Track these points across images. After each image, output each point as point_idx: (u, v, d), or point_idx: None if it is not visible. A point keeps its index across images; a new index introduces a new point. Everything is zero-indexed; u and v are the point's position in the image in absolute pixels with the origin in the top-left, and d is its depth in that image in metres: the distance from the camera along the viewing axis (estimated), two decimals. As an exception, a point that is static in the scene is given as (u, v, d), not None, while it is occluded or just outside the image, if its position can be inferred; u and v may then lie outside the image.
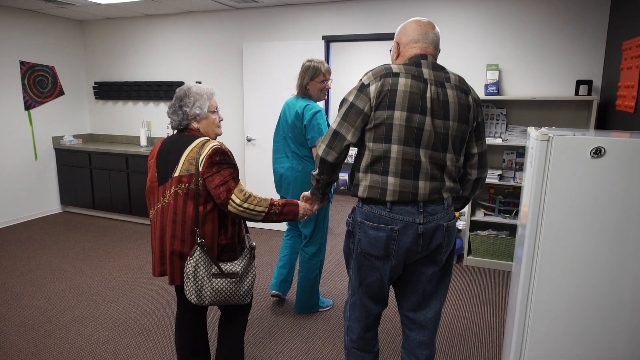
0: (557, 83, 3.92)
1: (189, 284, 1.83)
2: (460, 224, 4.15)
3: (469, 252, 4.17)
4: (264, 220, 1.90)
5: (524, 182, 2.13)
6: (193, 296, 1.84)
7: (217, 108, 2.02)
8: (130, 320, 3.07)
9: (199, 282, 1.82)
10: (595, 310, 1.72)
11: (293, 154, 2.91)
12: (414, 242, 1.69)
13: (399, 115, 1.61)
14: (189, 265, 1.81)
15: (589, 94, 3.70)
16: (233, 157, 1.90)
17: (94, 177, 5.49)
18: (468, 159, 1.82)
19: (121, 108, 5.96)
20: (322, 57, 4.57)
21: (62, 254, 4.31)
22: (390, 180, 1.66)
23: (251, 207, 1.83)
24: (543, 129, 1.95)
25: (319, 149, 1.76)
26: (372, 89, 1.63)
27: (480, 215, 4.06)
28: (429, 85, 1.65)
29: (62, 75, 5.74)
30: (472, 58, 4.15)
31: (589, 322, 1.74)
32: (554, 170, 1.67)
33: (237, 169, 1.91)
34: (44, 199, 5.67)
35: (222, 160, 1.84)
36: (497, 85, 3.96)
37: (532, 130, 1.98)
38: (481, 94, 4.13)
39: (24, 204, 5.44)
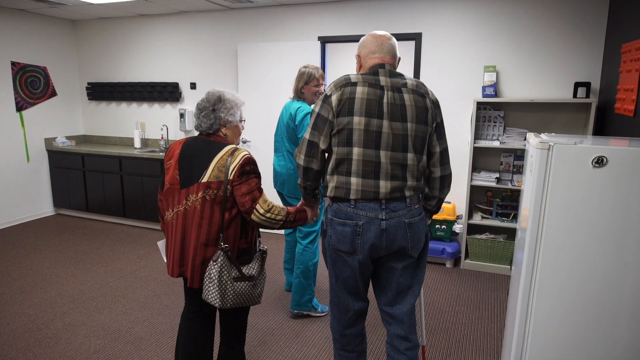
0: (555, 85, 3.89)
1: (212, 288, 1.87)
2: (458, 227, 4.11)
3: (467, 256, 4.14)
4: (280, 228, 1.99)
5: (524, 186, 2.10)
6: (217, 300, 1.88)
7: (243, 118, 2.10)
8: (122, 328, 3.01)
9: (223, 286, 1.88)
10: (595, 319, 1.68)
11: (288, 152, 3.11)
12: (378, 237, 1.80)
13: (357, 121, 1.76)
14: (213, 270, 1.86)
15: (587, 96, 3.66)
16: (257, 167, 1.98)
17: (87, 179, 5.42)
18: (431, 157, 1.92)
19: (115, 109, 5.89)
20: (318, 58, 4.51)
21: (54, 258, 4.24)
22: (353, 180, 1.79)
23: (272, 216, 1.91)
24: (543, 136, 1.91)
25: (299, 159, 1.90)
26: (334, 98, 1.80)
27: (477, 219, 4.02)
28: (385, 91, 1.79)
29: (54, 76, 5.66)
30: (470, 59, 4.10)
31: (589, 330, 1.70)
32: (555, 179, 1.63)
33: (261, 178, 1.97)
34: (36, 201, 5.60)
35: (252, 170, 1.90)
36: (495, 87, 3.91)
37: (531, 137, 1.94)
38: (478, 96, 4.09)
39: (16, 206, 5.37)
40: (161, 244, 2.27)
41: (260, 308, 3.30)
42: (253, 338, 2.90)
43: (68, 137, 5.88)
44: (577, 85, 3.68)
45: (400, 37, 4.29)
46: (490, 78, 3.96)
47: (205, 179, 1.88)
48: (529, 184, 1.81)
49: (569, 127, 3.87)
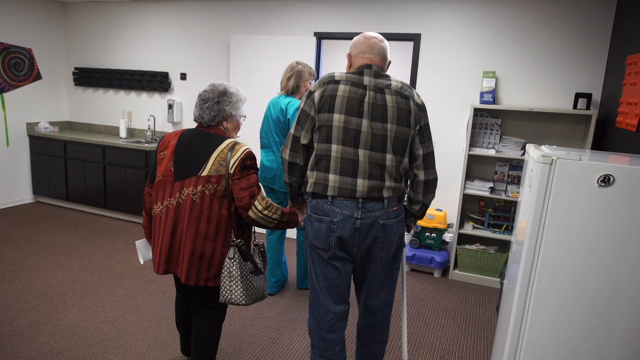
0: (555, 95, 3.77)
1: (236, 286, 1.81)
2: (448, 236, 3.98)
3: (455, 266, 4.02)
4: (274, 228, 1.96)
5: (521, 198, 1.98)
6: (242, 298, 1.84)
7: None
8: (90, 327, 2.85)
9: (246, 282, 1.84)
10: (589, 338, 1.57)
11: (278, 148, 3.18)
12: (351, 235, 1.82)
13: (337, 118, 1.78)
14: (234, 268, 1.82)
15: (588, 107, 3.55)
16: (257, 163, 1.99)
17: (68, 168, 5.23)
18: (414, 160, 1.92)
19: (101, 96, 5.69)
20: (313, 54, 4.37)
21: (27, 249, 4.06)
22: (331, 177, 1.81)
23: (269, 214, 1.89)
24: (544, 149, 1.78)
25: (284, 154, 1.92)
26: (316, 94, 1.83)
27: (468, 229, 3.90)
28: (367, 91, 1.81)
29: (39, 59, 5.46)
30: (469, 64, 3.98)
31: (582, 349, 1.58)
32: (556, 195, 1.50)
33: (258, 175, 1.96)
34: (15, 187, 5.40)
35: (252, 165, 1.89)
36: (493, 94, 3.79)
37: (532, 149, 1.81)
38: (476, 102, 3.96)
39: (-7, 192, 5.17)
40: (140, 244, 2.18)
41: (238, 312, 3.15)
42: (227, 344, 2.75)
43: (51, 123, 5.68)
44: (578, 96, 3.56)
45: (399, 37, 4.16)
46: (489, 84, 3.83)
47: (205, 173, 1.84)
48: (527, 198, 1.69)
49: (567, 139, 3.76)
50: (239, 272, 1.81)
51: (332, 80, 1.84)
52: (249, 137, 4.73)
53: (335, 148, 1.80)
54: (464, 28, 3.95)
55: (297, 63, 3.16)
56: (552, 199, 1.51)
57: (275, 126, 3.14)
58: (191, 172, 1.86)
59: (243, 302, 1.85)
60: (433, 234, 4.02)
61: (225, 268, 1.83)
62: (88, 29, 5.59)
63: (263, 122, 3.25)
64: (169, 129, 5.33)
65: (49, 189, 5.41)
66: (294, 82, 3.14)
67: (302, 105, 1.88)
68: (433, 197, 1.99)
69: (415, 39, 4.12)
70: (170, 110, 5.12)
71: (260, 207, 1.86)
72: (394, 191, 1.85)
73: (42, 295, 3.24)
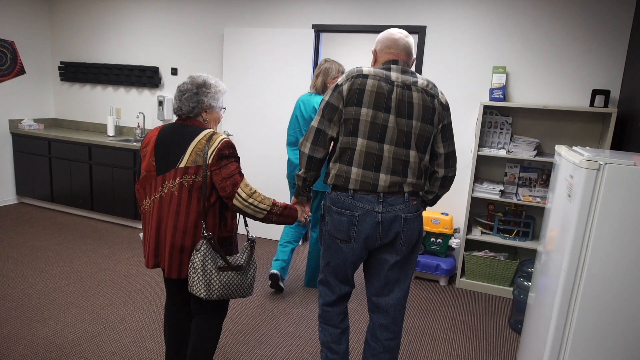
0: (570, 91, 3.53)
1: (196, 278, 1.81)
2: (455, 242, 3.74)
3: (462, 274, 3.78)
4: (264, 219, 1.91)
5: (550, 205, 1.75)
6: (202, 291, 1.82)
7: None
8: (67, 344, 2.59)
9: (207, 276, 1.82)
10: None
11: None
12: (373, 229, 1.84)
13: (365, 112, 1.80)
14: (196, 260, 1.80)
15: (606, 105, 3.32)
16: (236, 151, 1.93)
17: (53, 167, 4.96)
18: (436, 158, 1.94)
19: (89, 92, 5.42)
20: (311, 48, 4.11)
21: (5, 254, 3.79)
22: (354, 170, 1.83)
23: (255, 202, 1.85)
24: (582, 151, 1.54)
25: (304, 148, 1.90)
26: (345, 87, 1.83)
27: (477, 234, 3.66)
28: (395, 87, 1.81)
29: (23, 52, 5.18)
30: (478, 58, 3.73)
31: None
32: (605, 205, 1.26)
33: (240, 163, 1.92)
34: (-3, 188, 5.13)
35: (231, 154, 1.85)
36: (504, 90, 3.55)
37: (565, 151, 1.57)
38: (485, 99, 3.72)
39: (-27, 193, 4.89)
40: (143, 236, 2.16)
41: (243, 303, 2.91)
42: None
43: (36, 120, 5.40)
44: (595, 92, 3.33)
45: (404, 29, 3.91)
46: (499, 80, 3.59)
47: (182, 164, 1.83)
48: (562, 205, 1.45)
49: (583, 139, 3.52)
50: (200, 265, 1.80)
51: (360, 74, 1.83)
52: (242, 136, 4.48)
53: (360, 142, 1.81)
54: (472, 20, 3.71)
55: (325, 60, 3.20)
56: (599, 208, 1.28)
57: (306, 124, 3.18)
58: (170, 165, 1.85)
59: (203, 295, 1.82)
60: (439, 240, 3.78)
61: (191, 259, 1.83)
62: (75, 21, 5.31)
63: (291, 120, 3.27)
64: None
65: (33, 190, 5.14)
66: (321, 80, 3.18)
67: (327, 98, 1.86)
68: (448, 190, 2.04)
69: (420, 31, 3.87)
70: (161, 107, 4.86)
71: (244, 195, 1.83)
72: (414, 187, 1.87)
73: (17, 307, 2.98)
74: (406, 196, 1.85)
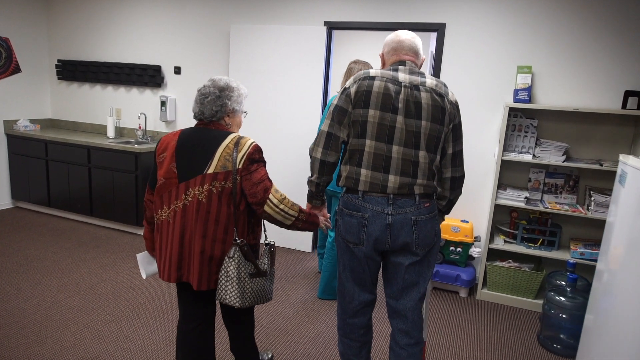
0: (600, 92, 3.34)
1: (231, 287, 1.77)
2: (475, 251, 3.55)
3: (484, 285, 3.58)
4: (291, 226, 1.88)
5: (612, 219, 1.57)
6: (237, 299, 1.78)
7: None
8: (66, 367, 2.39)
9: (242, 284, 1.79)
10: None
11: None
12: (382, 231, 1.83)
13: (372, 114, 1.80)
14: (231, 268, 1.76)
15: (639, 108, 3.13)
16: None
17: (50, 170, 4.74)
18: (442, 158, 1.92)
19: (87, 92, 5.20)
20: (323, 46, 3.91)
21: (-1, 264, 3.59)
22: (363, 172, 1.83)
23: (286, 209, 1.83)
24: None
25: (315, 153, 1.89)
26: (352, 90, 1.84)
27: (499, 243, 3.47)
28: (402, 88, 1.80)
29: (18, 50, 4.95)
30: (501, 57, 3.53)
31: None
32: None
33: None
34: (-9, 192, 4.90)
35: (260, 159, 1.83)
36: (529, 91, 3.35)
37: (633, 161, 1.38)
38: (509, 101, 3.52)
39: (-34, 197, 4.67)
40: (141, 257, 2.09)
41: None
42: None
43: (32, 121, 5.18)
44: (628, 94, 3.14)
45: (421, 27, 3.71)
46: (524, 80, 3.39)
47: (211, 170, 1.76)
48: (630, 220, 1.26)
49: (613, 143, 3.33)
50: (235, 273, 1.76)
51: (367, 77, 1.84)
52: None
53: (368, 143, 1.81)
54: (495, 16, 3.51)
55: (352, 62, 3.24)
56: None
57: None
58: (196, 171, 1.78)
59: (237, 304, 1.78)
60: (458, 249, 3.59)
61: (223, 267, 1.77)
62: (73, 16, 5.08)
63: (322, 119, 3.31)
64: (161, 128, 4.85)
65: (29, 194, 4.92)
66: (344, 80, 3.20)
67: (336, 102, 1.87)
68: (459, 193, 2.00)
69: (439, 29, 3.67)
70: (163, 108, 4.65)
71: (275, 201, 1.80)
72: (425, 188, 1.85)
73: (12, 323, 2.76)
74: (417, 198, 1.84)
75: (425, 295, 2.02)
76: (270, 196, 1.79)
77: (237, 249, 1.77)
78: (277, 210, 1.80)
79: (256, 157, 1.80)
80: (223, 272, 1.77)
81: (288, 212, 1.83)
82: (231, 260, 1.76)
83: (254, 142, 1.83)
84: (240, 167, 1.77)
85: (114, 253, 3.98)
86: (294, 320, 3.04)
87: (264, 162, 1.86)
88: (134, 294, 3.25)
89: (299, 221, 1.89)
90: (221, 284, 1.77)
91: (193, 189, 1.77)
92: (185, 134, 1.85)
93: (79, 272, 3.54)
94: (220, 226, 1.78)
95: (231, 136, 1.82)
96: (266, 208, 1.79)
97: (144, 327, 2.81)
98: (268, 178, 1.83)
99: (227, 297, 1.77)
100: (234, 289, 1.77)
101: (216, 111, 1.84)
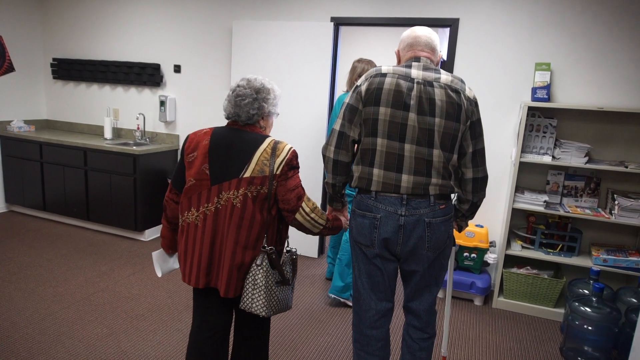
0: (623, 90, 3.18)
1: (258, 295, 1.72)
2: (491, 257, 3.39)
3: (500, 292, 3.42)
4: (318, 233, 1.88)
5: None
6: (263, 308, 1.73)
7: None
8: (59, 387, 2.22)
9: (269, 292, 1.74)
10: None
11: None
12: (395, 232, 1.78)
13: (383, 111, 1.74)
14: (259, 276, 1.72)
15: (666, 107, 2.97)
16: None
17: (45, 173, 4.56)
18: (462, 157, 1.84)
19: (84, 91, 5.02)
20: (330, 42, 3.74)
21: (-9, 273, 3.41)
22: (375, 171, 1.78)
23: (316, 218, 1.82)
24: None
25: (328, 152, 1.85)
26: (363, 88, 1.79)
27: (516, 249, 3.30)
28: (415, 84, 1.74)
29: (12, 48, 4.77)
30: (518, 54, 3.37)
31: None
32: None
33: None
34: (-16, 195, 4.73)
35: (297, 165, 1.81)
36: (548, 90, 3.19)
37: None
38: (527, 99, 3.36)
39: (-43, 201, 4.49)
40: (157, 255, 2.03)
41: None
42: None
43: (26, 122, 5.00)
44: (653, 92, 2.98)
45: (433, 23, 3.54)
46: (542, 78, 3.22)
47: (248, 174, 1.72)
48: None
49: (636, 143, 3.17)
50: (263, 282, 1.72)
51: (379, 74, 1.79)
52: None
53: (380, 142, 1.77)
54: (511, 11, 3.34)
55: (355, 60, 3.26)
56: None
57: None
58: (231, 175, 1.72)
59: (263, 313, 1.73)
60: (473, 255, 3.42)
61: (251, 274, 1.73)
62: (69, 13, 4.90)
63: (331, 119, 3.31)
64: (160, 128, 4.68)
65: (23, 197, 4.74)
66: (348, 79, 3.24)
67: (347, 100, 1.84)
68: (483, 196, 1.91)
69: (452, 24, 3.50)
70: (163, 108, 4.48)
71: (307, 209, 1.78)
72: (440, 188, 1.78)
73: (2, 339, 2.59)
74: (432, 199, 1.78)
75: (446, 301, 1.97)
76: (303, 204, 1.78)
77: (265, 256, 1.74)
78: (308, 218, 1.80)
79: (294, 163, 1.78)
80: (250, 279, 1.73)
81: (317, 220, 1.83)
82: (259, 267, 1.73)
83: (291, 147, 1.80)
84: (278, 172, 1.73)
85: (111, 260, 3.80)
86: (302, 331, 2.87)
87: (299, 169, 1.83)
88: (132, 304, 3.07)
89: (326, 229, 1.88)
90: (247, 291, 1.73)
91: (227, 193, 1.73)
92: (218, 134, 1.79)
93: (74, 281, 3.37)
94: (253, 232, 1.74)
95: (268, 140, 1.77)
96: (297, 216, 1.78)
97: (143, 342, 2.64)
98: (301, 185, 1.81)
99: (254, 305, 1.73)
100: (261, 297, 1.73)
101: (253, 114, 1.79)
